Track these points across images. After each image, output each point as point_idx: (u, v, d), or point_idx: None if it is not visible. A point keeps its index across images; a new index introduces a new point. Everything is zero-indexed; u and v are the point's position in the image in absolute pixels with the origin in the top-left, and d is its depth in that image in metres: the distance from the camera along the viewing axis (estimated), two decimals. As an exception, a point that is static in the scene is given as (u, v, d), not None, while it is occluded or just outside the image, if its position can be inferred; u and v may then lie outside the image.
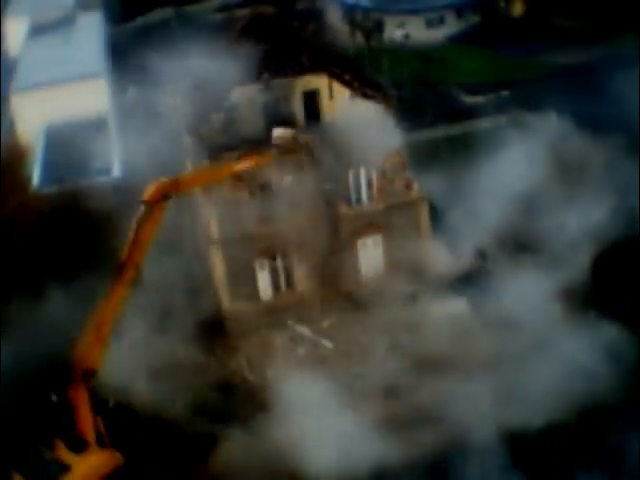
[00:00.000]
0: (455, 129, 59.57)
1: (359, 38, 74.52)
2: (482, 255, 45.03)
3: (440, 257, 44.30)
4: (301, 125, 44.10)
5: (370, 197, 44.68)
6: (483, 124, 57.76)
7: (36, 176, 49.35)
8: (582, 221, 41.58)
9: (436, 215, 46.77)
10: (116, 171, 48.60)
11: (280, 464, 34.02)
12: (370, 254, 44.87)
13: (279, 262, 44.07)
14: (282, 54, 43.73)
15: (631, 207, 43.74)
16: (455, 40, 77.73)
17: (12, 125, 56.03)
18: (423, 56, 69.77)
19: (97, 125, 53.22)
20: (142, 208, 34.01)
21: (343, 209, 44.04)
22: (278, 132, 42.02)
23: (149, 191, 34.26)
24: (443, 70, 69.32)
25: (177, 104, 45.34)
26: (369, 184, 44.54)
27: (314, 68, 44.40)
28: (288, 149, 41.04)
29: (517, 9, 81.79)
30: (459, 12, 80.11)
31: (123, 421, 35.70)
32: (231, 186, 40.04)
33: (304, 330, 42.38)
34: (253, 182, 41.25)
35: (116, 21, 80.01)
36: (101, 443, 33.66)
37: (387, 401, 37.17)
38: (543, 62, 68.82)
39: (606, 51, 66.09)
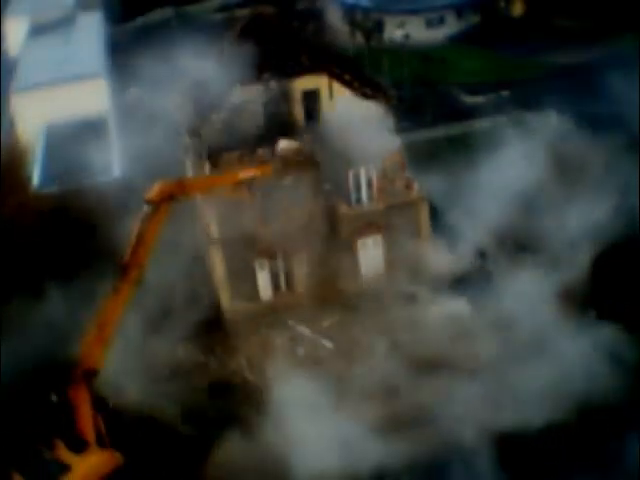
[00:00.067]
0: (455, 129, 59.57)
1: (359, 38, 74.51)
2: (482, 255, 45.03)
3: (440, 257, 44.28)
4: (301, 125, 44.13)
5: (370, 197, 44.68)
6: (483, 124, 57.75)
7: (36, 176, 49.40)
8: (582, 221, 41.56)
9: (436, 215, 46.79)
10: (116, 171, 48.63)
11: (278, 465, 33.97)
12: (370, 254, 44.87)
13: (279, 262, 44.07)
14: (282, 54, 43.73)
15: (631, 207, 43.73)
16: (455, 40, 77.73)
17: (12, 125, 56.06)
18: (423, 56, 69.78)
19: (97, 125, 53.27)
20: (146, 207, 33.93)
21: (343, 209, 44.05)
22: (283, 144, 41.98)
23: (153, 190, 34.18)
24: (443, 70, 69.32)
25: (177, 104, 45.33)
26: (369, 184, 44.54)
27: (314, 68, 44.40)
28: (292, 161, 41.12)
29: (517, 9, 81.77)
30: (459, 12, 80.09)
31: (122, 421, 35.68)
32: (231, 188, 40.01)
33: (304, 330, 42.37)
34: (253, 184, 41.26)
35: (116, 21, 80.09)
36: (101, 443, 33.64)
37: (387, 401, 37.14)
38: (543, 62, 68.81)
39: (606, 51, 66.07)
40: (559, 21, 75.15)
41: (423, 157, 49.60)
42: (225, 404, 37.80)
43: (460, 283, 43.19)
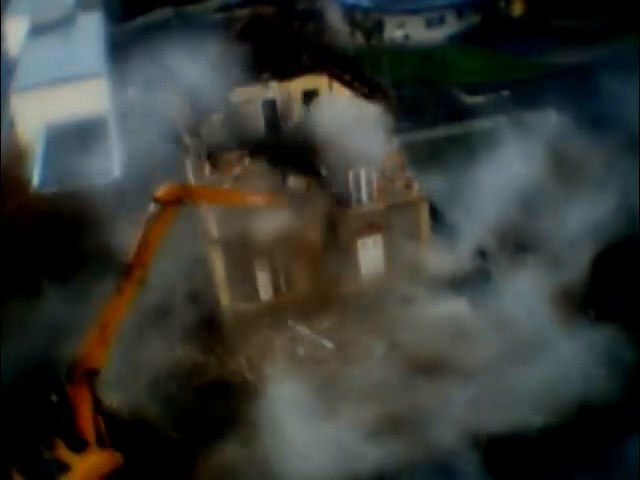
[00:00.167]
0: (455, 129, 59.53)
1: (359, 38, 74.50)
2: (482, 255, 45.03)
3: (440, 257, 44.27)
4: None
5: (370, 197, 44.67)
6: (483, 124, 57.73)
7: (36, 176, 49.34)
8: (582, 221, 41.55)
9: (436, 215, 46.79)
10: (116, 172, 48.59)
11: (275, 467, 33.89)
12: (370, 254, 44.86)
13: (279, 262, 44.04)
14: (282, 54, 43.73)
15: (631, 207, 43.72)
16: (455, 40, 77.69)
17: (12, 125, 56.02)
18: (423, 56, 69.79)
19: (97, 125, 53.22)
20: (152, 206, 33.83)
21: (343, 209, 44.00)
22: (293, 182, 42.04)
23: (162, 190, 34.18)
24: (443, 70, 69.32)
25: (177, 104, 45.32)
26: (369, 184, 44.53)
27: (314, 68, 44.40)
28: (302, 197, 41.16)
29: (517, 9, 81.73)
30: (459, 12, 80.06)
31: (120, 422, 35.66)
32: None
33: (304, 330, 42.36)
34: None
35: (116, 21, 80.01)
36: (101, 443, 33.61)
37: (386, 402, 37.13)
38: (543, 62, 68.79)
39: (606, 51, 66.06)
40: (559, 21, 75.12)
41: (423, 157, 49.58)
42: (225, 404, 37.75)
43: (460, 283, 43.18)
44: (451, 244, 44.73)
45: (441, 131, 59.48)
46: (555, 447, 34.65)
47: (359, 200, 44.60)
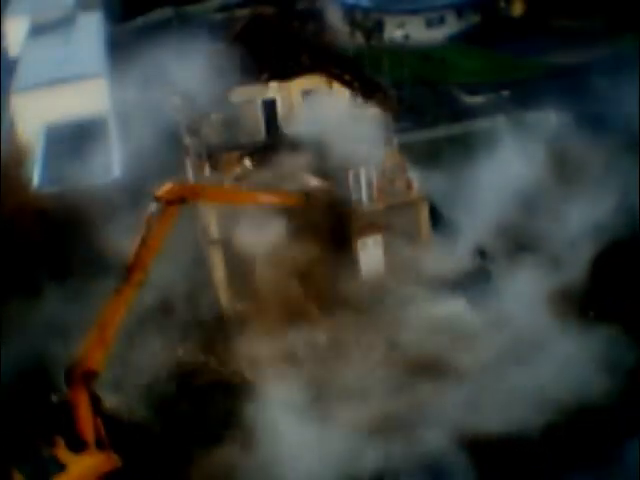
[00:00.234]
0: (455, 129, 59.55)
1: (359, 38, 74.54)
2: (482, 255, 45.02)
3: (440, 257, 44.26)
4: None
5: (370, 197, 44.65)
6: (483, 124, 57.75)
7: (36, 176, 49.38)
8: (582, 221, 41.57)
9: (436, 215, 46.79)
10: (116, 171, 48.61)
11: (274, 468, 33.86)
12: (370, 254, 44.83)
13: (279, 262, 43.97)
14: (282, 54, 43.74)
15: (631, 206, 43.73)
16: (455, 40, 77.75)
17: (12, 125, 56.06)
18: (423, 56, 69.84)
19: (97, 125, 53.26)
20: (153, 206, 33.34)
21: (343, 209, 43.98)
22: (314, 182, 41.67)
23: (164, 188, 33.62)
24: (443, 70, 69.37)
25: (177, 104, 45.34)
26: (369, 184, 44.51)
27: (314, 68, 44.42)
28: (319, 200, 40.93)
29: (517, 9, 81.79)
30: (459, 12, 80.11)
31: (120, 423, 35.62)
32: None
33: (303, 330, 42.29)
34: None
35: (116, 21, 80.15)
36: (101, 445, 33.49)
37: (386, 401, 37.11)
38: (543, 62, 68.83)
39: (606, 51, 66.08)
40: (559, 21, 75.16)
41: (423, 157, 49.59)
42: (224, 405, 37.71)
43: (460, 283, 43.16)
44: (451, 244, 44.72)
45: (441, 131, 59.50)
46: (555, 447, 34.63)
47: (359, 200, 44.57)
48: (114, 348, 33.65)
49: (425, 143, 55.56)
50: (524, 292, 39.40)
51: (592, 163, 45.31)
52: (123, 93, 56.16)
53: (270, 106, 45.17)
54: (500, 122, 55.64)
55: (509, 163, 42.80)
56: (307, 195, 40.28)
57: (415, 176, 45.62)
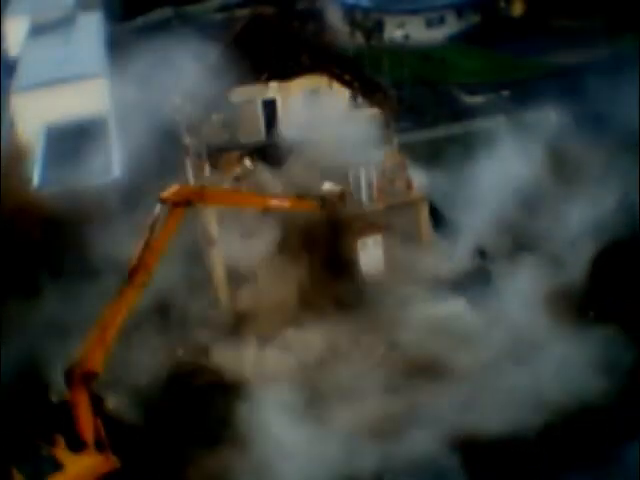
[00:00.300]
0: (455, 129, 59.58)
1: (359, 38, 74.57)
2: (482, 255, 45.02)
3: (440, 257, 44.27)
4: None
5: (370, 197, 44.65)
6: (483, 124, 57.77)
7: (36, 176, 49.34)
8: (582, 220, 41.59)
9: (436, 215, 46.79)
10: (116, 171, 48.58)
11: (271, 470, 33.84)
12: (370, 254, 44.83)
13: (279, 262, 43.97)
14: (282, 54, 43.76)
15: (631, 206, 43.75)
16: (455, 40, 77.79)
17: (12, 125, 56.03)
18: (423, 56, 69.86)
19: (97, 125, 53.22)
20: (158, 207, 33.14)
21: (343, 209, 43.98)
22: (327, 186, 41.64)
23: (170, 190, 33.42)
24: (443, 70, 69.39)
25: (177, 104, 45.35)
26: (369, 184, 44.51)
27: (314, 68, 44.44)
28: (332, 204, 40.79)
29: (517, 9, 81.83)
30: (459, 12, 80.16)
31: (119, 424, 35.61)
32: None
33: (303, 330, 42.30)
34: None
35: (116, 21, 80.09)
36: (100, 446, 33.45)
37: (386, 401, 37.11)
38: (543, 62, 68.86)
39: (606, 51, 66.09)
40: (559, 21, 75.17)
41: (423, 157, 49.60)
42: (222, 406, 37.68)
43: (459, 283, 43.17)
44: (451, 244, 44.73)
45: (441, 131, 59.52)
46: (553, 448, 34.63)
47: (359, 200, 44.57)
48: (114, 348, 33.66)
49: (425, 143, 55.57)
50: (524, 292, 39.41)
51: (592, 163, 45.34)
52: (123, 93, 56.17)
53: (270, 106, 45.22)
54: (500, 122, 55.65)
55: (509, 163, 42.80)
56: (323, 200, 40.22)
57: (415, 176, 45.61)
